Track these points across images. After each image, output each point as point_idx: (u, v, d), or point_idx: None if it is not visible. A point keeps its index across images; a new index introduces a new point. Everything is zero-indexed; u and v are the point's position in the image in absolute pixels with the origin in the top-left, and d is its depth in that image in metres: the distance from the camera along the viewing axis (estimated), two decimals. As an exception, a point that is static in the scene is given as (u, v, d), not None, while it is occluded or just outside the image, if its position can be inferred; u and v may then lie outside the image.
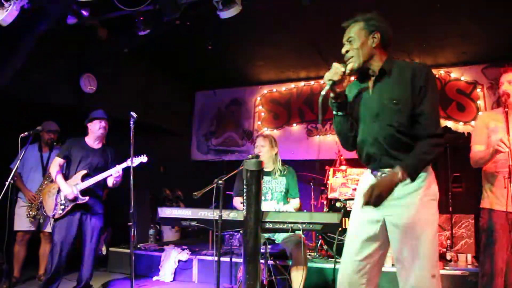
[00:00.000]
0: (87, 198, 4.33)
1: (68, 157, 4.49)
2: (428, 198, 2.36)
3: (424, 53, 6.75)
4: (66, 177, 4.42)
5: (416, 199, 2.32)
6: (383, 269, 4.51)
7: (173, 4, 4.54)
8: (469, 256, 4.84)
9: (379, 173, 2.43)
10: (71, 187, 4.30)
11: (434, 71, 7.07)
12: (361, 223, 2.47)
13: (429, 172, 2.42)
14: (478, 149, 3.20)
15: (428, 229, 2.31)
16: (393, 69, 2.45)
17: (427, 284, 2.29)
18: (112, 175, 4.34)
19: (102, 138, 4.63)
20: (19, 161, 4.04)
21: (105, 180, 4.46)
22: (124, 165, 4.34)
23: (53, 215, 4.33)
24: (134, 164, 4.05)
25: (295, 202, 4.35)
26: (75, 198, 4.29)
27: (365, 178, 2.55)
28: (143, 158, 4.42)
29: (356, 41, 2.47)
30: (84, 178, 4.38)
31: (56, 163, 4.47)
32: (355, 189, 5.39)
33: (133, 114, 3.91)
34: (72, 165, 4.47)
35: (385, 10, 5.08)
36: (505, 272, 3.08)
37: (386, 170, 2.37)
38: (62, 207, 4.30)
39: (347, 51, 2.48)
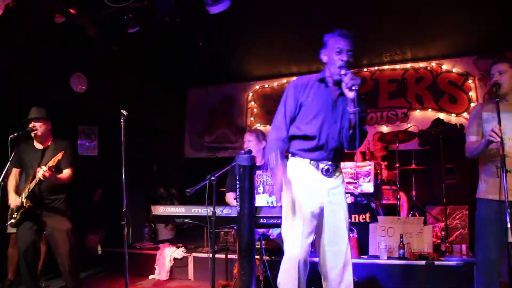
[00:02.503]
0: (29, 204, 4.06)
1: (20, 164, 4.29)
2: None
3: (415, 45, 6.76)
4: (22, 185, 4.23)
5: None
6: (379, 261, 4.55)
7: (162, 0, 4.50)
8: (464, 247, 4.85)
9: (321, 165, 2.84)
10: (17, 198, 4.10)
11: (426, 63, 7.11)
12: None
13: None
14: (472, 139, 3.22)
15: None
16: None
17: None
18: (41, 178, 3.94)
19: (45, 137, 4.30)
20: (9, 162, 3.98)
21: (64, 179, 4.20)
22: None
23: (10, 224, 4.20)
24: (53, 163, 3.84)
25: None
26: (21, 206, 4.09)
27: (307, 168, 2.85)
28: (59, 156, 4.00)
29: (352, 58, 2.83)
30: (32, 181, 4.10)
31: (12, 174, 4.30)
32: (349, 183, 5.38)
33: (124, 112, 3.85)
34: (25, 171, 4.28)
35: (376, 3, 5.14)
36: (501, 262, 3.09)
37: (328, 163, 2.84)
38: (14, 215, 4.14)
39: (347, 61, 2.78)
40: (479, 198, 3.24)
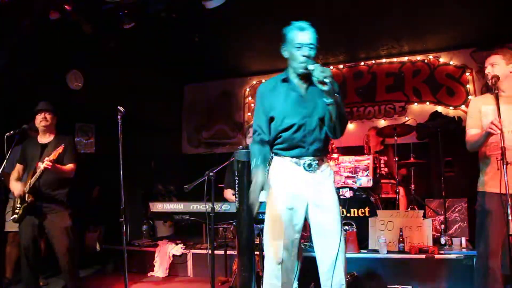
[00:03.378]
0: (31, 198, 4.08)
1: (25, 159, 4.32)
2: None
3: (412, 38, 6.74)
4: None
5: None
6: (379, 255, 4.55)
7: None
8: (463, 240, 4.85)
9: (302, 161, 2.79)
10: (19, 185, 4.13)
11: (423, 56, 7.09)
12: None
13: None
14: (473, 132, 3.21)
15: None
16: None
17: None
18: (43, 170, 3.97)
19: (50, 130, 4.35)
20: (6, 160, 3.96)
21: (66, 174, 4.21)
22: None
23: (13, 219, 4.21)
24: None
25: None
26: (23, 199, 4.09)
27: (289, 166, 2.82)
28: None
29: (315, 51, 2.75)
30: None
31: (16, 169, 4.33)
32: (347, 177, 5.38)
33: (121, 108, 3.82)
34: (28, 167, 4.28)
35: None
36: (501, 254, 3.08)
37: (310, 158, 2.78)
38: (17, 210, 4.15)
39: (309, 56, 2.71)
40: (480, 191, 3.22)
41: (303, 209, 2.80)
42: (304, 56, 2.69)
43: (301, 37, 2.70)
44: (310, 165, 2.78)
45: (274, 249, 2.74)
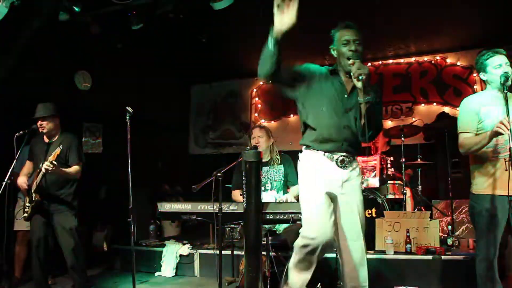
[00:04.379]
0: (37, 197, 4.13)
1: (32, 157, 4.37)
2: None
3: (420, 39, 6.73)
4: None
5: None
6: (386, 256, 4.54)
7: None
8: (470, 241, 4.82)
9: (335, 156, 2.83)
10: (24, 178, 4.20)
11: (430, 57, 7.07)
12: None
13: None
14: (468, 135, 3.12)
15: None
16: None
17: None
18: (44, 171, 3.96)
19: (53, 132, 4.34)
20: (15, 160, 4.00)
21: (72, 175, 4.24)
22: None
23: (23, 218, 4.27)
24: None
25: (294, 189, 4.33)
26: (31, 199, 4.15)
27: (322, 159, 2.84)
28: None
29: (361, 47, 2.79)
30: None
31: (25, 166, 4.40)
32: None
33: (129, 109, 3.84)
34: (35, 165, 4.32)
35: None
36: (504, 256, 3.07)
37: (343, 154, 2.82)
38: (26, 209, 4.20)
39: (357, 51, 2.75)
40: (483, 194, 3.10)
41: (330, 200, 2.82)
42: (351, 51, 2.75)
43: (347, 33, 2.80)
44: (343, 161, 2.83)
45: (315, 229, 2.73)
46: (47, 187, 4.19)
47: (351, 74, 2.63)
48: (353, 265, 2.78)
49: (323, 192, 2.78)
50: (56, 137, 4.36)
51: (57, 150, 3.94)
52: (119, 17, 5.01)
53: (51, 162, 3.89)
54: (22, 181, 4.21)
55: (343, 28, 2.84)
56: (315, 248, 2.70)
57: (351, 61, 2.67)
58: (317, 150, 2.86)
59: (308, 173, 2.88)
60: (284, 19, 2.54)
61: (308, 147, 2.92)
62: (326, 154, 2.83)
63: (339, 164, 2.82)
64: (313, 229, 2.74)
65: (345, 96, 2.85)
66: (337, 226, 2.81)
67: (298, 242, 2.80)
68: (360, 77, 2.55)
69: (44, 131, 4.27)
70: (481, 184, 3.13)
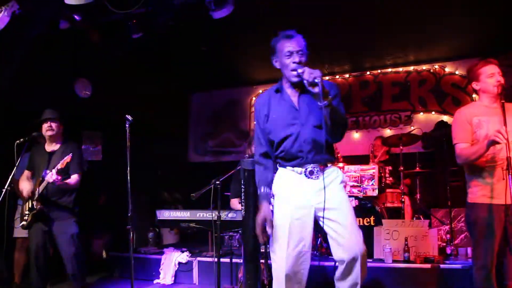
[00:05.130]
0: (39, 205, 4.14)
1: (32, 166, 4.37)
2: None
3: (418, 48, 6.77)
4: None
5: None
6: (384, 265, 4.54)
7: (166, 6, 4.53)
8: (469, 250, 4.82)
9: (303, 169, 2.76)
10: (29, 185, 4.21)
11: (429, 66, 7.12)
12: None
13: None
14: (464, 146, 3.12)
15: None
16: None
17: None
18: (49, 181, 3.99)
19: (57, 138, 4.40)
20: (15, 168, 4.01)
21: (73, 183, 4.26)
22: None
23: (22, 226, 4.27)
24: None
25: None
26: (32, 207, 4.15)
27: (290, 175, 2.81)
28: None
29: (305, 57, 2.74)
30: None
31: (24, 175, 4.39)
32: (353, 186, 5.39)
33: (129, 117, 3.87)
34: (36, 174, 4.34)
35: (380, 7, 5.16)
36: (503, 265, 3.08)
37: (310, 165, 2.74)
38: (25, 217, 4.20)
39: (300, 62, 2.69)
40: (481, 203, 3.10)
41: (310, 218, 2.75)
42: (294, 62, 2.68)
43: (289, 45, 2.71)
44: (311, 172, 2.75)
45: (280, 260, 2.70)
46: (48, 196, 4.20)
47: (305, 82, 2.56)
48: (346, 265, 2.65)
49: (290, 217, 2.72)
50: (58, 146, 4.38)
51: (67, 158, 3.97)
52: (119, 26, 5.04)
53: (57, 172, 3.92)
54: (28, 189, 4.18)
55: (284, 38, 2.76)
56: (281, 276, 2.71)
57: (300, 70, 2.61)
58: (286, 166, 2.82)
59: (277, 200, 2.84)
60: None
61: (279, 164, 2.88)
62: (295, 168, 2.79)
63: (308, 175, 2.75)
64: (274, 261, 2.77)
65: (295, 109, 2.79)
66: (328, 234, 2.74)
67: None
68: (316, 81, 2.48)
69: (52, 134, 4.29)
70: (476, 193, 3.13)
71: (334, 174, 2.82)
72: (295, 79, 2.70)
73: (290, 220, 2.72)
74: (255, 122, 2.96)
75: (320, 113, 2.65)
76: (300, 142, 2.74)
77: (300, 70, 2.61)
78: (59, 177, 3.93)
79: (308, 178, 2.75)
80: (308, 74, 2.53)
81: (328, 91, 2.56)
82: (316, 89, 2.50)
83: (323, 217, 2.71)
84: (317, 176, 2.75)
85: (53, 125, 4.31)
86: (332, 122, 2.61)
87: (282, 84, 2.86)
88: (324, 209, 2.66)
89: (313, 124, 2.74)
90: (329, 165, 2.82)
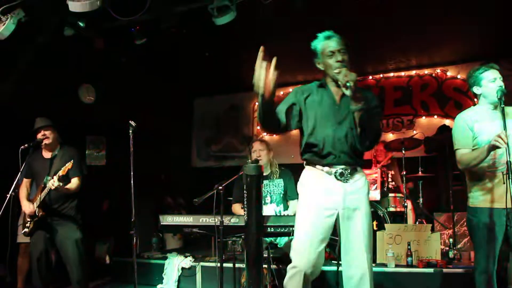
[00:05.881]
0: (42, 212, 4.17)
1: (31, 174, 4.39)
2: None
3: (420, 52, 6.78)
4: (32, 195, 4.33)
5: None
6: (387, 269, 4.54)
7: (169, 12, 4.57)
8: (472, 254, 4.82)
9: (333, 169, 2.75)
10: (30, 204, 4.20)
11: (431, 70, 7.13)
12: None
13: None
14: (465, 151, 3.15)
15: None
16: None
17: None
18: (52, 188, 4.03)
19: (54, 145, 4.39)
20: (20, 173, 4.04)
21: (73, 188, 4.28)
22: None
23: (24, 233, 4.30)
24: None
25: (294, 204, 4.35)
26: (34, 215, 4.18)
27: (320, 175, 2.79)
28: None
29: (347, 55, 2.74)
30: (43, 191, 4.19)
31: (23, 184, 4.40)
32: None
33: (132, 123, 3.90)
34: (35, 181, 4.36)
35: (382, 11, 5.17)
36: (505, 269, 3.08)
37: (341, 167, 2.74)
38: (27, 224, 4.23)
39: (343, 60, 2.70)
40: (477, 207, 3.14)
41: (332, 219, 2.75)
42: (338, 61, 2.70)
43: (331, 44, 2.74)
44: (342, 174, 2.74)
45: (299, 257, 2.73)
46: (50, 203, 4.23)
47: (339, 83, 2.60)
48: (357, 280, 2.71)
49: (315, 218, 2.74)
50: (56, 151, 4.40)
51: (69, 164, 4.00)
52: (123, 32, 5.08)
53: (58, 179, 3.94)
54: (30, 208, 4.19)
55: (324, 39, 2.79)
56: (298, 272, 2.71)
57: (337, 70, 2.65)
58: (315, 165, 2.81)
59: (304, 196, 2.85)
60: (265, 81, 2.55)
61: (308, 162, 2.89)
62: (325, 168, 2.77)
63: (338, 177, 2.74)
64: (297, 257, 2.75)
65: (336, 107, 2.79)
66: (343, 241, 2.76)
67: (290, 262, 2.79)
68: (348, 84, 2.51)
69: (48, 141, 4.31)
70: (478, 197, 3.15)
71: (363, 180, 2.83)
72: (337, 77, 2.69)
73: (314, 219, 2.73)
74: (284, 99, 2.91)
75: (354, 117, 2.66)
76: (335, 140, 2.74)
77: (337, 71, 2.65)
78: (61, 183, 3.96)
79: (338, 180, 2.75)
80: (343, 76, 2.56)
81: (361, 96, 2.57)
82: (348, 92, 2.54)
83: (344, 222, 2.74)
84: (346, 180, 2.75)
85: (47, 133, 4.32)
86: (362, 129, 2.62)
87: (326, 81, 2.87)
88: (350, 215, 2.73)
89: (349, 126, 2.74)
90: (358, 169, 2.83)
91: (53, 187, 3.96)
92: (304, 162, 2.93)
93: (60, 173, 3.96)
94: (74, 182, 4.29)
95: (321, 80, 2.91)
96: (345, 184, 2.75)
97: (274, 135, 7.88)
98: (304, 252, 2.72)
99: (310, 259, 2.70)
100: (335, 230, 2.84)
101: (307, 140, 2.83)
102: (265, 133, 8.03)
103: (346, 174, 2.74)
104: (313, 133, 2.79)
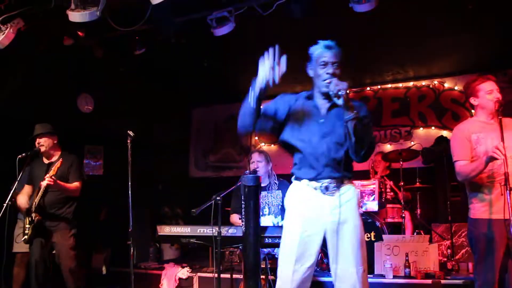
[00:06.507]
0: (38, 217, 4.17)
1: (32, 180, 4.40)
2: None
3: (417, 64, 6.83)
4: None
5: None
6: (385, 280, 4.52)
7: (168, 23, 4.59)
8: (470, 265, 4.81)
9: (318, 184, 2.67)
10: (27, 202, 4.23)
11: (428, 81, 7.16)
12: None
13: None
14: (463, 163, 3.15)
15: None
16: None
17: None
18: (46, 188, 4.07)
19: (53, 151, 4.42)
20: (17, 182, 4.04)
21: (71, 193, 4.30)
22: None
23: (24, 240, 4.29)
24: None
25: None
26: (31, 219, 4.18)
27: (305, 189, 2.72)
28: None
29: (339, 70, 2.69)
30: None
31: (25, 190, 4.41)
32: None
33: (130, 132, 3.92)
34: (35, 187, 4.35)
35: (379, 23, 5.22)
36: (504, 281, 3.07)
37: (326, 181, 2.65)
38: (26, 231, 4.21)
39: (334, 74, 2.66)
40: (481, 219, 3.12)
41: (320, 235, 2.67)
42: (328, 73, 2.66)
43: (326, 55, 2.69)
44: (327, 188, 2.65)
45: (286, 275, 2.65)
46: (47, 207, 4.23)
47: (330, 93, 2.56)
48: (351, 269, 2.60)
49: (299, 237, 2.65)
50: (56, 157, 4.41)
51: (57, 163, 4.02)
52: (122, 42, 5.11)
53: (51, 176, 3.95)
54: (23, 200, 4.23)
55: (322, 48, 2.72)
56: None
57: (327, 80, 2.61)
58: (301, 179, 2.75)
59: (289, 213, 2.80)
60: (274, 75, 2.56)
61: (294, 177, 2.83)
62: (310, 182, 2.70)
63: (323, 191, 2.66)
64: (279, 276, 2.70)
65: (321, 120, 2.72)
66: (331, 256, 2.69)
67: None
68: (340, 93, 2.47)
69: (44, 149, 4.33)
70: (478, 209, 3.15)
71: (350, 193, 2.73)
72: (325, 89, 2.65)
73: (300, 236, 2.65)
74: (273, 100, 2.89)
75: (345, 128, 2.59)
76: (319, 154, 2.67)
77: (327, 81, 2.61)
78: (52, 180, 3.96)
79: (324, 194, 2.67)
80: (334, 85, 2.53)
81: (353, 105, 2.54)
82: (340, 101, 2.50)
83: (332, 236, 2.66)
84: (333, 193, 2.67)
85: (41, 140, 4.33)
86: (356, 139, 2.54)
87: (314, 92, 2.81)
88: (337, 229, 2.63)
89: (334, 140, 2.67)
90: (345, 182, 2.72)
91: (45, 184, 3.97)
92: (293, 177, 2.86)
93: (51, 172, 3.98)
94: (73, 184, 4.31)
95: (309, 91, 2.86)
96: (331, 198, 2.66)
97: (272, 145, 7.88)
98: (283, 273, 2.67)
99: (289, 282, 2.64)
100: None
101: (293, 153, 2.80)
102: (263, 144, 8.05)
103: (332, 188, 2.67)
104: (298, 145, 2.74)
